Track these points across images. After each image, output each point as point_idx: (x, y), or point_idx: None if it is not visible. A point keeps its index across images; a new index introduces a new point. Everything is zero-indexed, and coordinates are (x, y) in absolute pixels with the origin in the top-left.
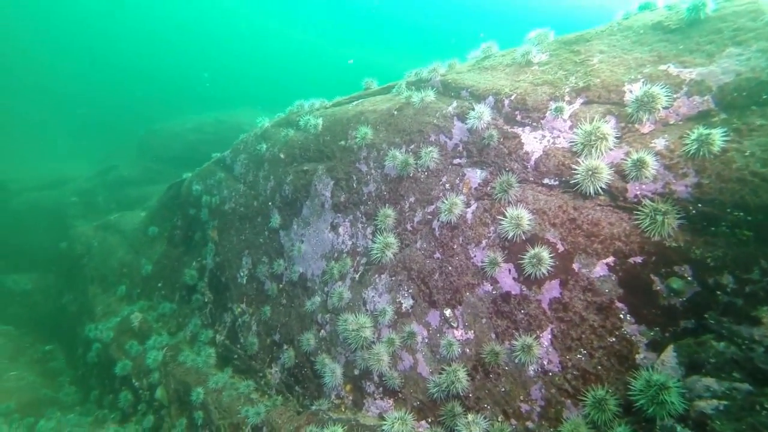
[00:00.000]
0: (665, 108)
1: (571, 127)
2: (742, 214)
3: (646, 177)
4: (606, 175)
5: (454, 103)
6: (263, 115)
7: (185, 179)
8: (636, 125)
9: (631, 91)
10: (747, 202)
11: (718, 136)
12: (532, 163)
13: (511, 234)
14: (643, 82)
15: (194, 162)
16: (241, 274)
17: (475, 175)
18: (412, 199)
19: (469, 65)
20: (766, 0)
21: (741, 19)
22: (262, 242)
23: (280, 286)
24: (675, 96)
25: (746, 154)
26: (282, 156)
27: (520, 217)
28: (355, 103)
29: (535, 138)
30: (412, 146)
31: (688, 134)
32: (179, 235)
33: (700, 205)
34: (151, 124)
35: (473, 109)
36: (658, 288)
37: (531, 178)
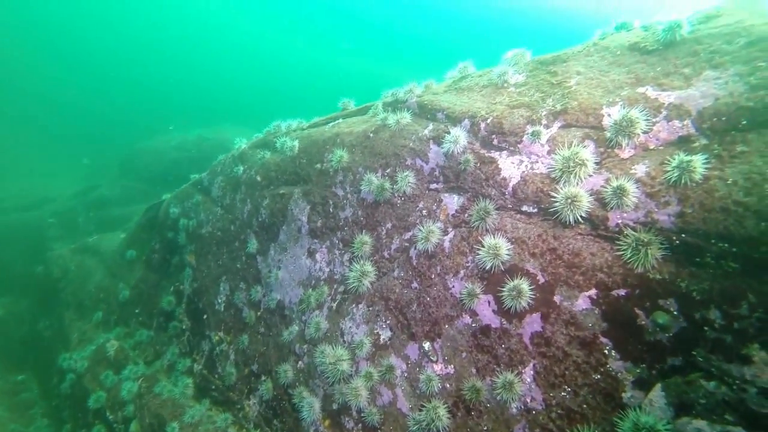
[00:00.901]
0: (645, 132)
1: (549, 152)
2: (727, 245)
3: (627, 205)
4: (586, 203)
5: (430, 126)
6: (250, 130)
7: (164, 201)
8: (615, 150)
9: (609, 115)
10: (732, 233)
11: (699, 164)
12: (509, 189)
13: (489, 265)
14: (621, 105)
15: (177, 180)
16: (219, 300)
17: (452, 201)
18: (389, 225)
19: (445, 85)
20: (738, 22)
21: (717, 41)
22: (240, 268)
23: (258, 313)
24: (654, 120)
25: (728, 182)
26: (259, 179)
27: (498, 247)
28: (331, 124)
29: (513, 163)
30: (389, 170)
31: (669, 161)
32: (157, 259)
33: (683, 235)
34: (135, 140)
35: (449, 133)
36: (644, 323)
37: (509, 205)
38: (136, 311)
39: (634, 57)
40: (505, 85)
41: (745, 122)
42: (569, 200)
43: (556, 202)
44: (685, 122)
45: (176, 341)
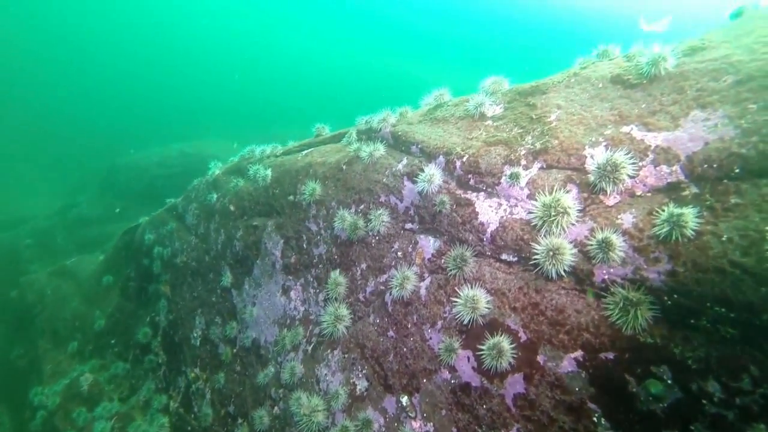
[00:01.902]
0: (631, 177)
1: (529, 196)
2: (724, 310)
3: (613, 260)
4: (569, 256)
5: (404, 160)
6: (233, 143)
7: (140, 224)
8: (600, 196)
9: (592, 156)
10: (729, 297)
11: (690, 218)
12: (488, 235)
13: (467, 319)
14: (605, 146)
15: (159, 198)
16: (195, 335)
17: (428, 244)
18: (363, 266)
19: (420, 114)
20: (724, 57)
21: (703, 78)
22: (215, 301)
23: (234, 350)
24: (641, 164)
25: (723, 239)
26: (232, 208)
27: (476, 299)
28: (305, 152)
29: (491, 206)
30: (362, 206)
31: (658, 212)
32: (133, 287)
33: (675, 296)
34: (117, 154)
35: (424, 169)
36: (635, 390)
37: (488, 252)
38: (112, 341)
39: (617, 91)
40: (482, 117)
41: (738, 170)
42: (551, 253)
43: (538, 254)
44: (674, 168)
45: (152, 375)
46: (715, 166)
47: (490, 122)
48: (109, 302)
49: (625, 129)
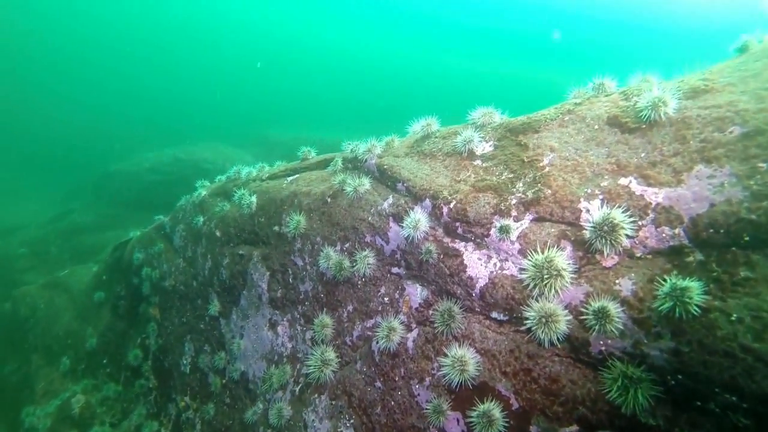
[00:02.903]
0: (629, 237)
1: (520, 251)
2: (735, 398)
3: (611, 331)
4: (563, 324)
5: (390, 199)
6: (226, 147)
7: (131, 239)
8: (596, 256)
9: (588, 211)
10: (740, 386)
11: (696, 293)
12: (477, 291)
13: (455, 380)
14: (601, 199)
15: (152, 205)
16: (184, 362)
17: (416, 292)
18: (350, 308)
19: (407, 145)
20: (730, 105)
21: (707, 127)
22: (204, 328)
23: (223, 381)
24: (640, 223)
25: (732, 318)
26: (218, 234)
27: (464, 361)
28: (290, 179)
29: (480, 259)
30: (347, 244)
31: (660, 282)
32: (124, 306)
33: (680, 376)
34: (111, 159)
35: (409, 211)
36: None
37: (477, 309)
38: (104, 361)
39: (614, 135)
40: (471, 155)
41: (747, 239)
42: (544, 320)
43: (529, 318)
44: (677, 231)
45: (143, 400)
46: (722, 231)
47: (479, 162)
48: (100, 320)
49: (623, 181)
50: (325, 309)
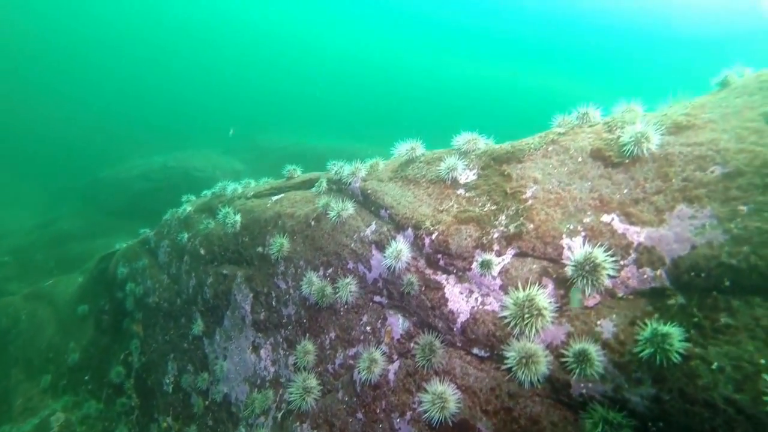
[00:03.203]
0: (611, 277)
1: (501, 287)
2: None
3: (592, 375)
4: (543, 366)
5: (373, 225)
6: (216, 154)
7: (116, 252)
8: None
9: (570, 248)
10: None
11: (676, 340)
12: (458, 325)
13: (435, 417)
14: (583, 236)
15: (141, 213)
16: (167, 381)
17: (398, 323)
18: (332, 335)
19: (392, 169)
20: (711, 143)
21: (689, 166)
22: (187, 348)
23: (206, 402)
24: (622, 263)
25: (713, 367)
26: (202, 252)
27: (444, 398)
28: (275, 198)
29: (461, 293)
30: (330, 270)
31: (641, 326)
32: (107, 321)
33: (661, 424)
34: (100, 165)
35: (391, 240)
36: None
37: (458, 344)
38: (86, 378)
39: (597, 169)
40: (454, 184)
41: (728, 284)
42: (524, 360)
43: (509, 358)
44: (658, 272)
45: (125, 419)
46: (703, 275)
47: (462, 191)
48: (83, 334)
49: (605, 218)
50: (307, 334)
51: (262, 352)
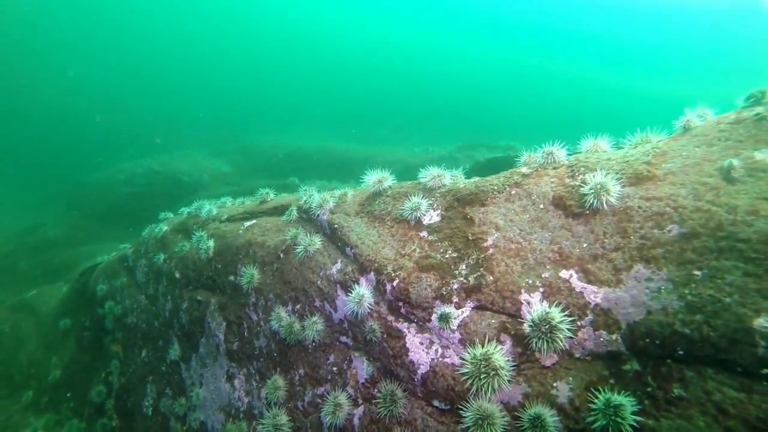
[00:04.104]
0: (569, 337)
1: (461, 340)
2: None
3: None
4: (499, 428)
5: (339, 264)
6: (203, 157)
7: (98, 265)
8: (536, 353)
9: (528, 304)
10: None
11: (629, 412)
12: (419, 377)
13: None
14: (542, 293)
15: (127, 219)
16: (146, 403)
17: (362, 367)
18: (301, 372)
19: (359, 201)
20: (670, 198)
21: (647, 222)
22: (165, 371)
23: (184, 428)
24: (579, 323)
25: None
26: (178, 275)
27: None
28: (247, 224)
29: (422, 344)
30: (298, 306)
31: (595, 394)
32: (88, 338)
33: None
34: (85, 168)
35: (355, 283)
36: None
37: (419, 394)
38: (68, 395)
39: (558, 218)
40: (418, 225)
41: (682, 353)
42: (480, 420)
43: (467, 419)
44: (614, 336)
45: None
46: (657, 342)
47: (425, 233)
48: (66, 349)
49: (564, 274)
50: (278, 368)
51: (236, 382)
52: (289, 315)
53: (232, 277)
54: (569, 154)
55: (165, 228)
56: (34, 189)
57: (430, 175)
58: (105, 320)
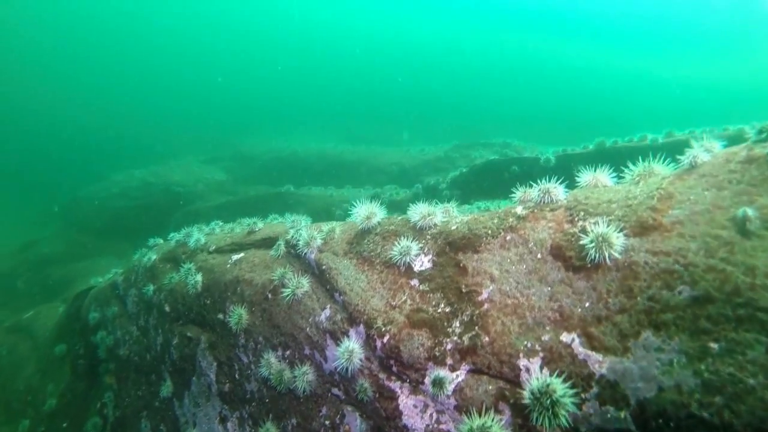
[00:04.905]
0: (571, 411)
1: (456, 407)
2: None
3: None
4: None
5: (328, 310)
6: (198, 165)
7: (93, 288)
8: (538, 426)
9: (527, 371)
10: None
11: None
12: None
13: None
14: (542, 358)
15: (123, 233)
16: None
17: (355, 423)
18: (294, 422)
19: (347, 239)
20: (678, 253)
21: (655, 281)
22: (159, 406)
23: None
24: (584, 396)
25: None
26: (167, 309)
27: None
28: (235, 258)
29: (416, 407)
30: (288, 352)
31: None
32: (83, 366)
33: None
34: (81, 182)
35: (344, 335)
36: None
37: None
38: (64, 425)
39: (557, 270)
40: (408, 271)
41: None
42: None
43: None
44: (623, 414)
45: None
46: (672, 425)
47: (416, 282)
48: (62, 376)
49: (565, 338)
50: (270, 415)
51: (229, 425)
52: (279, 361)
53: (221, 315)
54: (567, 192)
55: (154, 257)
56: (32, 203)
57: (419, 213)
58: (99, 349)
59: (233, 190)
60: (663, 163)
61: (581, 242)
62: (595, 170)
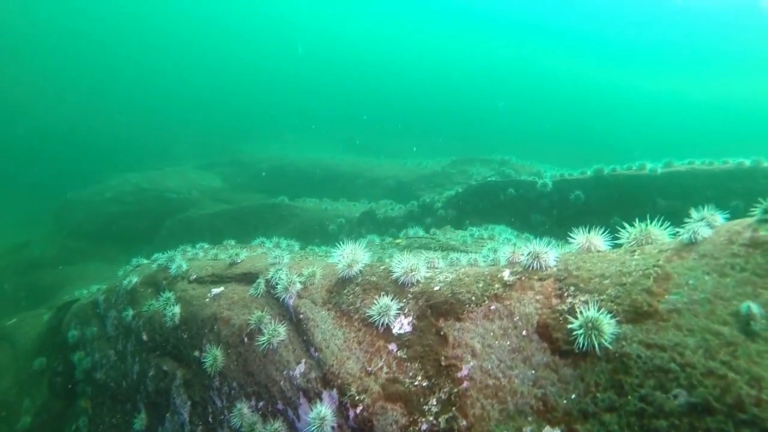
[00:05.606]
0: None
1: None
2: None
3: None
4: None
5: (302, 366)
6: (193, 171)
7: (75, 302)
8: None
9: None
10: None
11: None
12: None
13: None
14: None
15: (115, 238)
16: None
17: None
18: None
19: (327, 287)
20: (674, 348)
21: (649, 379)
22: None
23: None
24: None
25: None
26: (145, 338)
27: None
28: (214, 291)
29: None
30: (261, 403)
31: None
32: (60, 384)
33: None
34: (74, 185)
35: (318, 396)
36: None
37: None
38: None
39: (542, 352)
40: (387, 333)
41: None
42: None
43: None
44: None
45: None
46: None
47: (394, 347)
48: (39, 393)
49: None
50: None
51: None
52: (252, 412)
53: (197, 353)
54: (557, 258)
55: (135, 280)
56: (24, 204)
57: (402, 267)
58: (76, 369)
59: (228, 198)
60: (661, 226)
61: (569, 326)
62: (589, 231)
